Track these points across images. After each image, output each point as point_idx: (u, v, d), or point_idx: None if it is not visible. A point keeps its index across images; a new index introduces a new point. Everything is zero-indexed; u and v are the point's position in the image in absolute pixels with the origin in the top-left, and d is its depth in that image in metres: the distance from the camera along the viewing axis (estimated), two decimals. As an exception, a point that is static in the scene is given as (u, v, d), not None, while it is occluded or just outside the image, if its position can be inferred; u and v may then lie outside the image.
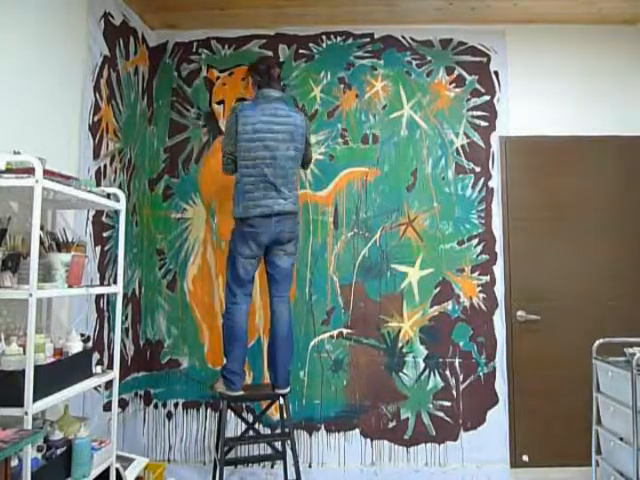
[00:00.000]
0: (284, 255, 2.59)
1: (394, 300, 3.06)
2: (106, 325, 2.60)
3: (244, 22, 3.15)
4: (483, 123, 3.13)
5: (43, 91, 2.14)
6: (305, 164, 2.75)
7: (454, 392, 3.00)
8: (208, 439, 3.04)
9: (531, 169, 3.07)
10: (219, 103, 3.15)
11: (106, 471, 1.97)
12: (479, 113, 3.14)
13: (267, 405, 2.78)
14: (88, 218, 2.46)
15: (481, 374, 3.01)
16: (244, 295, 2.57)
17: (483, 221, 3.09)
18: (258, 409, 2.94)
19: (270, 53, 3.19)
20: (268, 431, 3.00)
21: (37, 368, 1.56)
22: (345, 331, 3.05)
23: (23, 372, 1.52)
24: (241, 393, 2.57)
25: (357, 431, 3.00)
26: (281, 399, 2.68)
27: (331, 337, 3.06)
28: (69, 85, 2.36)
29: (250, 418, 2.94)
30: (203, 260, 3.13)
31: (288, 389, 2.62)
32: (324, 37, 3.20)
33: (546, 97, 3.11)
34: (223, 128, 2.96)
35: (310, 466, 2.98)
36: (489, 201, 3.10)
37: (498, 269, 3.05)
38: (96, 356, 2.41)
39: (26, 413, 1.51)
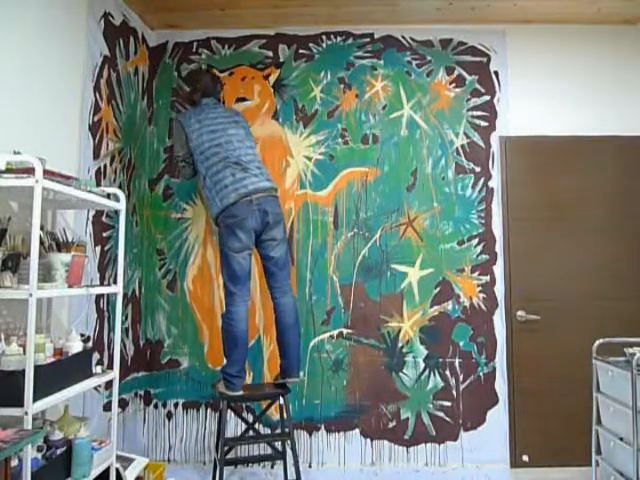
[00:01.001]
0: (276, 245, 2.59)
1: (394, 300, 3.06)
2: (106, 325, 2.60)
3: (244, 22, 3.14)
4: (483, 123, 3.13)
5: (43, 91, 2.14)
6: None
7: (454, 392, 3.00)
8: (208, 439, 3.04)
9: (531, 169, 3.07)
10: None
11: (106, 471, 1.97)
12: (479, 113, 3.14)
13: (267, 405, 2.78)
14: (88, 218, 2.46)
15: (481, 374, 3.01)
16: (242, 295, 2.56)
17: (483, 221, 3.09)
18: (258, 409, 2.95)
19: (270, 53, 3.20)
20: (268, 431, 3.00)
21: (37, 368, 1.56)
22: (345, 331, 3.05)
23: (23, 372, 1.53)
24: (241, 393, 2.58)
25: (357, 431, 3.00)
26: (281, 399, 2.69)
27: (331, 337, 3.06)
28: (69, 85, 2.36)
29: (250, 418, 2.94)
30: (203, 260, 3.13)
31: (300, 376, 2.67)
32: (324, 37, 3.20)
33: (546, 97, 3.11)
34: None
35: (310, 466, 2.98)
36: (489, 201, 3.10)
37: (498, 269, 3.05)
38: (96, 356, 2.41)
39: (26, 413, 1.51)
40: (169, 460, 3.02)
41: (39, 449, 1.68)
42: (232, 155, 2.56)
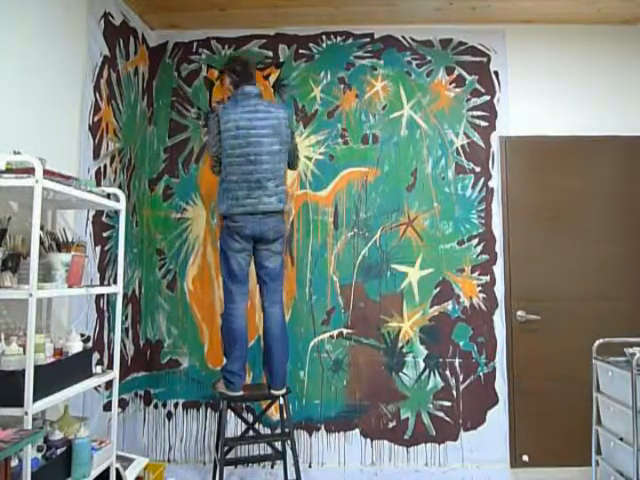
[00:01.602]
0: (272, 255, 2.59)
1: (394, 300, 3.06)
2: (106, 325, 2.60)
3: (244, 22, 3.14)
4: (483, 123, 3.13)
5: (43, 91, 2.14)
6: (291, 164, 2.70)
7: (454, 392, 3.00)
8: (208, 439, 3.04)
9: (531, 169, 3.07)
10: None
11: (106, 471, 1.97)
12: (479, 113, 3.14)
13: (267, 405, 2.78)
14: (88, 218, 2.46)
15: (481, 374, 3.01)
16: (241, 294, 2.57)
17: (483, 221, 3.09)
18: (258, 409, 2.94)
19: (270, 53, 3.20)
20: (268, 431, 3.00)
21: (37, 368, 1.56)
22: (345, 331, 3.05)
23: (23, 372, 1.52)
24: (241, 393, 2.58)
25: (357, 431, 3.00)
26: (281, 399, 2.68)
27: (331, 337, 3.05)
28: (69, 85, 2.36)
29: (250, 418, 2.94)
30: (203, 260, 3.13)
31: (284, 390, 2.61)
32: (324, 37, 3.20)
33: (546, 97, 3.11)
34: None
35: (310, 466, 2.98)
36: (489, 201, 3.10)
37: (498, 269, 3.05)
38: (96, 356, 2.41)
39: (26, 413, 1.51)
40: (169, 460, 3.02)
41: (39, 449, 1.68)
42: (255, 171, 2.47)
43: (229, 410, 2.64)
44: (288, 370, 2.72)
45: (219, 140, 2.52)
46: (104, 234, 2.61)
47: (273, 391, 2.60)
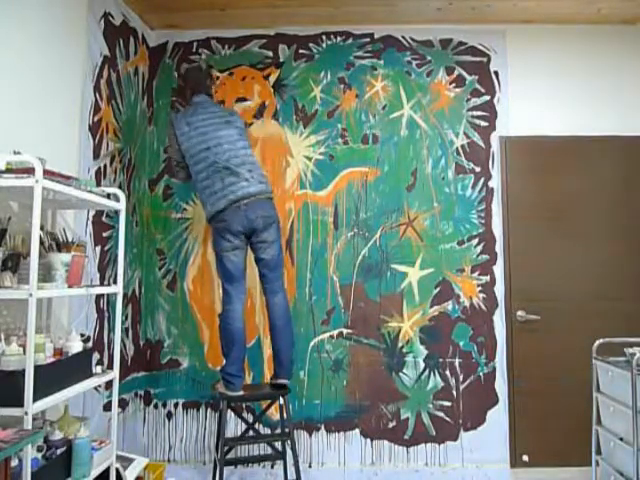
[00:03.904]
0: (267, 247, 2.59)
1: (394, 300, 3.06)
2: (106, 325, 2.60)
3: (244, 22, 3.14)
4: (483, 123, 3.13)
5: (43, 91, 2.14)
6: None
7: (454, 392, 3.00)
8: (208, 439, 3.04)
9: (531, 169, 3.07)
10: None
11: (106, 471, 1.98)
12: (479, 113, 3.14)
13: (267, 405, 2.78)
14: (88, 218, 2.46)
15: (481, 374, 3.01)
16: (237, 293, 2.57)
17: (483, 221, 3.09)
18: (258, 409, 2.95)
19: (270, 53, 3.20)
20: (268, 431, 3.00)
21: (37, 368, 1.56)
22: (345, 331, 3.05)
23: (23, 372, 1.52)
24: (241, 393, 2.58)
25: (357, 431, 3.00)
26: (281, 399, 2.69)
27: (331, 337, 3.05)
28: (69, 85, 2.36)
29: (250, 418, 2.94)
30: (203, 260, 3.13)
31: (288, 381, 2.62)
32: (324, 37, 3.20)
33: (546, 97, 3.11)
34: None
35: (310, 466, 2.98)
36: (489, 201, 3.10)
37: (498, 269, 3.05)
38: (96, 356, 2.41)
39: (26, 413, 1.51)
40: (169, 460, 3.02)
41: (39, 449, 1.68)
42: (221, 159, 2.52)
43: (229, 410, 2.64)
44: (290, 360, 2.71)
45: (179, 146, 2.60)
46: (104, 234, 2.61)
47: (279, 380, 2.61)
